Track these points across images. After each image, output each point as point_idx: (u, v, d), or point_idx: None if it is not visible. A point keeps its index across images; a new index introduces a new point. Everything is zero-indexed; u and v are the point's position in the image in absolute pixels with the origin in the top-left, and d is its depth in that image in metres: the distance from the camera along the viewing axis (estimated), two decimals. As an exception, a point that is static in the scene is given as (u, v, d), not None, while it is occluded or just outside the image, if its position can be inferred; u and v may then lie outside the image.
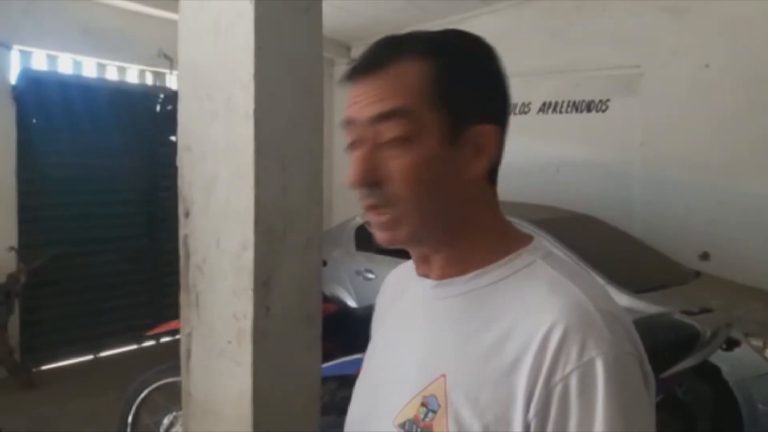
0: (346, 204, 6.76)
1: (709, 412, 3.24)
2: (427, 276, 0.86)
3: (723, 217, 4.78)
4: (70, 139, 5.12)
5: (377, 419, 0.84)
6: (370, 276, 4.80)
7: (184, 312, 1.76)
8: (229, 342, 1.65)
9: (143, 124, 5.68)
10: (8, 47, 4.77)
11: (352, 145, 0.80)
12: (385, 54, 0.79)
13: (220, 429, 1.68)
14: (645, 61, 5.19)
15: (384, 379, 0.87)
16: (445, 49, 0.81)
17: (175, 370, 3.14)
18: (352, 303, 4.80)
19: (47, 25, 4.94)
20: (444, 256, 0.83)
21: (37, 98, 4.87)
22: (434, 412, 0.76)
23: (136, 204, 5.71)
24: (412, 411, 0.78)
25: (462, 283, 0.82)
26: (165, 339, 5.43)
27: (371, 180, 0.77)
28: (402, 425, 0.78)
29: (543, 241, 0.86)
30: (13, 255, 4.73)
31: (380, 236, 0.80)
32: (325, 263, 3.99)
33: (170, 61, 5.77)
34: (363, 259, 4.94)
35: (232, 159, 1.62)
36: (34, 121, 4.93)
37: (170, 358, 3.83)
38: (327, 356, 2.18)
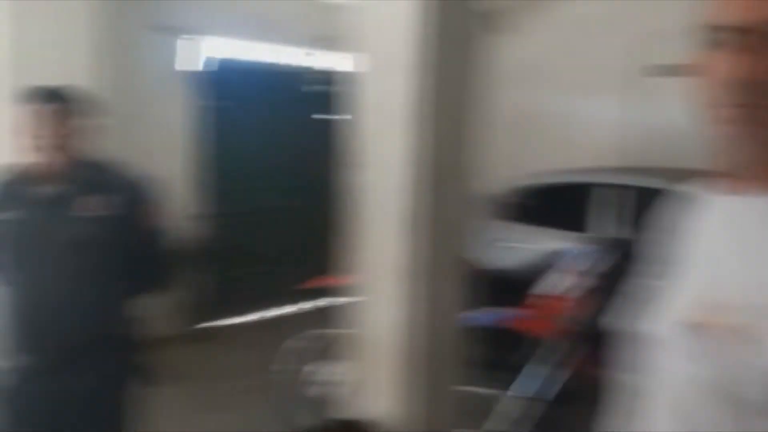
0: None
1: None
2: (740, 192, 0.89)
3: None
4: (243, 119, 5.76)
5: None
6: (506, 244, 4.77)
7: (346, 255, 2.03)
8: (386, 280, 1.90)
9: (297, 104, 6.21)
10: (196, 36, 5.39)
11: (728, 46, 0.81)
12: None
13: (376, 354, 1.95)
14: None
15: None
16: None
17: (319, 322, 3.48)
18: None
19: (225, 15, 5.50)
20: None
21: (218, 83, 5.54)
22: None
23: (296, 177, 6.25)
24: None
25: None
26: (310, 302, 5.97)
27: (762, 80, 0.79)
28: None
29: None
30: (195, 222, 5.28)
31: (739, 131, 0.82)
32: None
33: (330, 42, 6.17)
34: (499, 228, 4.99)
35: (393, 113, 1.84)
36: (211, 105, 5.56)
37: (316, 314, 4.11)
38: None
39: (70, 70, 4.42)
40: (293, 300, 5.98)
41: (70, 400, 1.97)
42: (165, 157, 4.91)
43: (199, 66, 5.45)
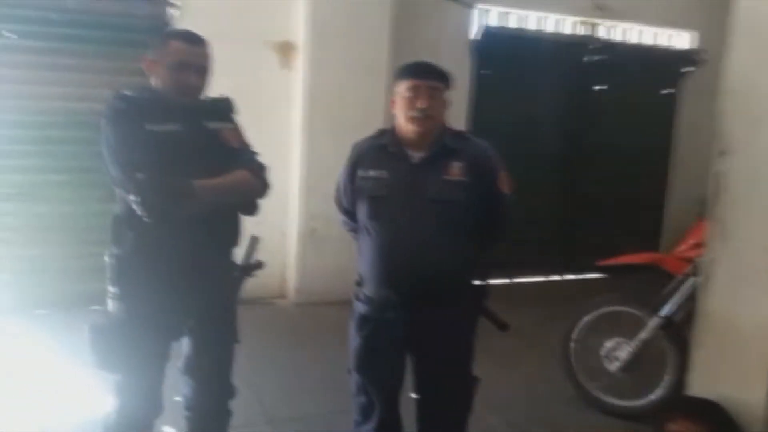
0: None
1: None
2: None
3: None
4: (511, 87, 5.77)
5: None
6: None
7: (709, 241, 1.96)
8: (759, 271, 1.79)
9: (572, 74, 6.07)
10: (471, 6, 5.52)
11: None
12: None
13: (736, 345, 1.86)
14: None
15: None
16: None
17: (621, 300, 3.43)
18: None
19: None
20: None
21: (489, 51, 5.58)
22: None
23: (557, 148, 6.15)
24: None
25: None
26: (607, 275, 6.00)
27: None
28: None
29: None
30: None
31: None
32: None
33: (604, 11, 5.95)
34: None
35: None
36: (485, 71, 5.64)
37: (608, 291, 4.07)
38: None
39: (372, 40, 4.84)
40: (585, 269, 6.04)
41: (422, 332, 2.19)
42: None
43: (480, 35, 5.55)
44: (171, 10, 4.51)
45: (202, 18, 4.32)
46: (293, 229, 4.98)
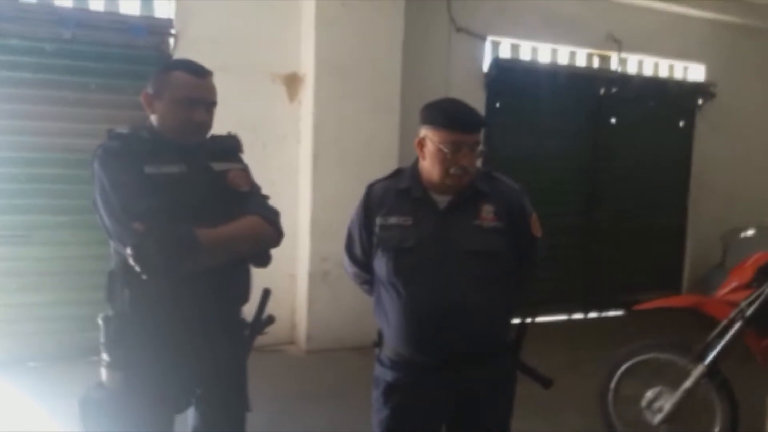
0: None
1: None
2: None
3: None
4: (523, 120, 5.58)
5: None
6: None
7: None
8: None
9: (587, 106, 5.91)
10: (483, 39, 5.38)
11: None
12: None
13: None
14: None
15: None
16: None
17: (661, 347, 3.19)
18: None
19: (514, 17, 5.44)
20: None
21: (502, 84, 5.42)
22: None
23: (573, 182, 5.95)
24: None
25: None
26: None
27: None
28: None
29: None
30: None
31: None
32: None
33: (618, 43, 5.81)
34: None
35: None
36: (498, 105, 5.47)
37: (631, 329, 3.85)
38: None
39: (382, 72, 4.65)
40: (606, 306, 5.98)
41: (459, 399, 1.95)
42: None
43: (492, 68, 5.40)
44: (171, 41, 4.34)
45: (203, 49, 4.12)
46: (303, 271, 4.73)
